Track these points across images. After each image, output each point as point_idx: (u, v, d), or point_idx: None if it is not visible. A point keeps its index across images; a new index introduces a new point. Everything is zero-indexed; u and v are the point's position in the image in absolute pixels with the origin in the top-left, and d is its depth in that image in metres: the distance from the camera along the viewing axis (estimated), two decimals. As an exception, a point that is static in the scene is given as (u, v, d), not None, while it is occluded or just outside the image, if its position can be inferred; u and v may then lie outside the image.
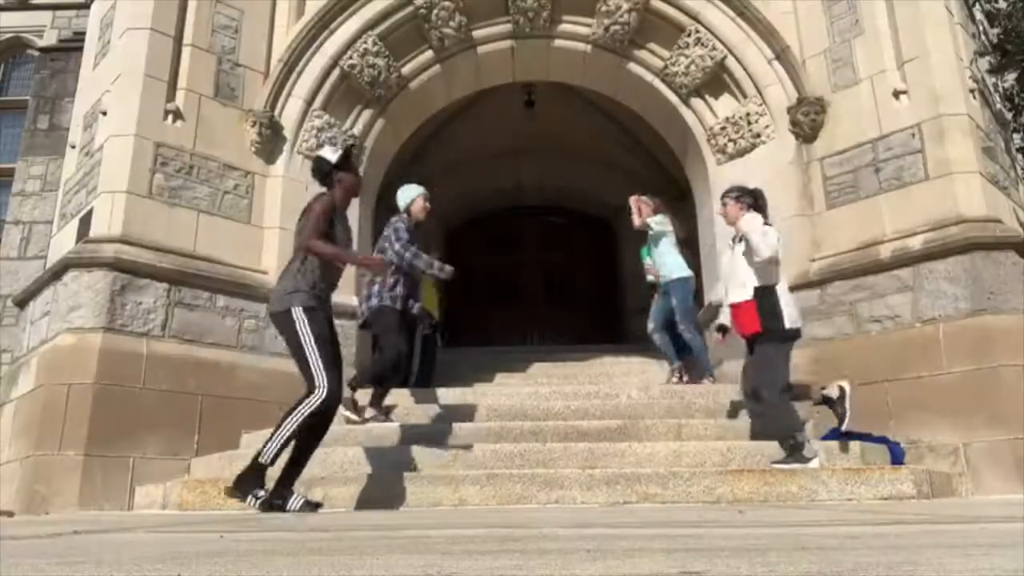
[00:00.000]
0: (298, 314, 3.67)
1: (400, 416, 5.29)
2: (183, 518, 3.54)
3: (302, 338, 3.64)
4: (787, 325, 4.38)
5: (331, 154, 3.97)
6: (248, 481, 3.59)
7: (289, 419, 3.59)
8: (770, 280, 4.42)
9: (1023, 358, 4.85)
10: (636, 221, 6.19)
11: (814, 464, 4.14)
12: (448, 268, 4.95)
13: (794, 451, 4.21)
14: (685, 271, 6.06)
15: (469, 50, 6.97)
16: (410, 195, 5.31)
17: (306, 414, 3.59)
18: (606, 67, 7.08)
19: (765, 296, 4.39)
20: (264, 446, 3.60)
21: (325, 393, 3.60)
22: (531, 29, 6.88)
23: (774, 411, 4.39)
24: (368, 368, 5.23)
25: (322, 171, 3.96)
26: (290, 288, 3.74)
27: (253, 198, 6.12)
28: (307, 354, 3.63)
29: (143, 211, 5.50)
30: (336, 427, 5.07)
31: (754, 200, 4.67)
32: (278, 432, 3.59)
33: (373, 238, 7.11)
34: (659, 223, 6.17)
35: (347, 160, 4.00)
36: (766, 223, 4.53)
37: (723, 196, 4.83)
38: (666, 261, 6.13)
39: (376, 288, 5.03)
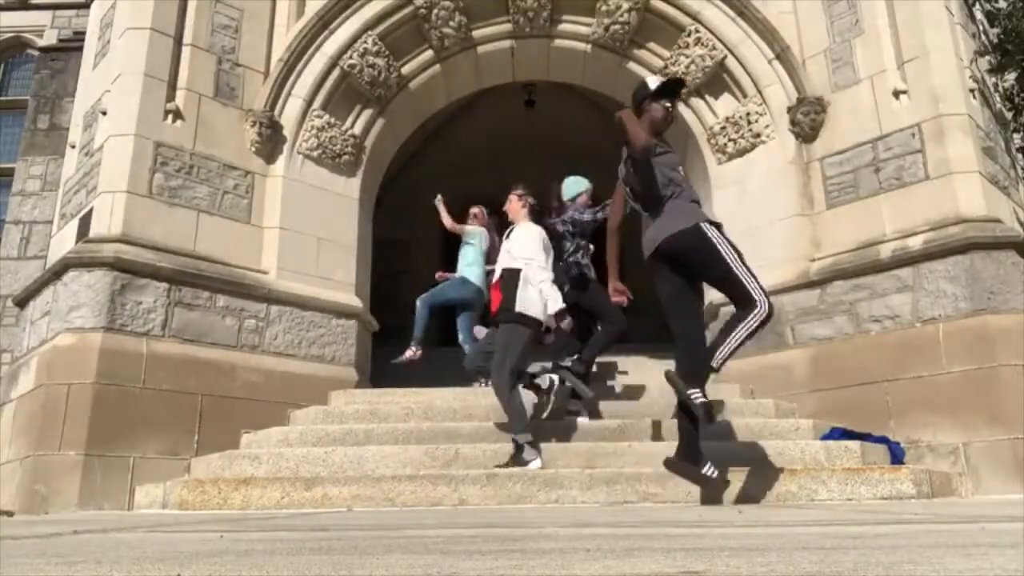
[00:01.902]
0: (710, 230, 3.48)
1: (400, 416, 5.29)
2: (183, 518, 3.54)
3: (724, 252, 3.43)
4: (517, 308, 4.47)
5: (652, 82, 3.81)
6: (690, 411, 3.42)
7: (740, 328, 3.40)
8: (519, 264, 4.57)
9: (1023, 358, 4.85)
10: (446, 222, 6.48)
11: (534, 466, 4.19)
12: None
13: (516, 452, 4.30)
14: (466, 274, 6.32)
15: (469, 50, 6.98)
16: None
17: (754, 326, 3.40)
18: (606, 66, 7.08)
19: (511, 279, 4.54)
20: (716, 352, 3.41)
21: (767, 306, 3.40)
22: (531, 29, 6.88)
23: (500, 395, 4.46)
24: (598, 342, 5.12)
25: (635, 98, 3.80)
26: (685, 210, 3.53)
27: (253, 198, 6.12)
28: (735, 269, 3.42)
29: (143, 211, 5.50)
30: (333, 427, 5.09)
31: (539, 205, 4.91)
32: (729, 339, 3.39)
33: (373, 238, 7.12)
34: (470, 234, 6.46)
35: (665, 93, 3.74)
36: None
37: (512, 192, 5.03)
38: (461, 261, 6.47)
39: (577, 257, 5.07)
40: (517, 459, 4.29)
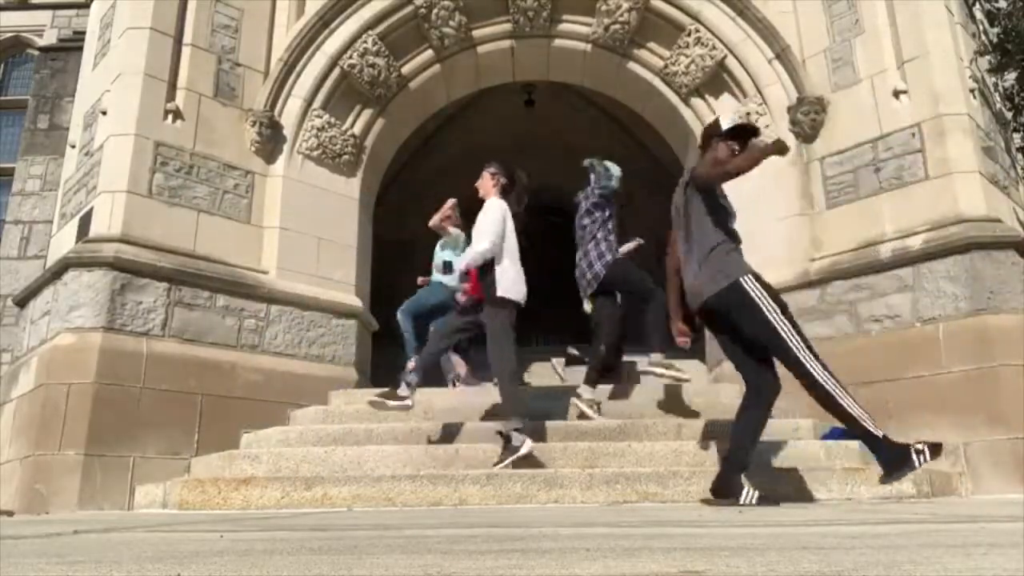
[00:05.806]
0: (749, 283, 3.33)
1: (401, 416, 5.28)
2: (183, 518, 3.54)
3: (765, 310, 3.28)
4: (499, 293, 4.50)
5: (726, 121, 3.74)
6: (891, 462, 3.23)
7: (840, 397, 3.22)
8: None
9: (1023, 358, 4.85)
10: (433, 220, 6.41)
11: (524, 450, 4.17)
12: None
13: (506, 441, 4.30)
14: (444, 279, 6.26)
15: (469, 50, 6.98)
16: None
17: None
18: (606, 66, 7.08)
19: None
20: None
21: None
22: (531, 28, 6.88)
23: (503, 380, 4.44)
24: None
25: (706, 135, 3.81)
26: (724, 265, 3.40)
27: (253, 197, 6.12)
28: (778, 329, 3.27)
29: (143, 211, 5.50)
30: (333, 427, 5.09)
31: (509, 182, 4.80)
32: (850, 415, 3.21)
33: (373, 238, 7.12)
34: (455, 238, 6.42)
35: (737, 135, 3.67)
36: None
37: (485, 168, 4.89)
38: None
39: (604, 247, 5.28)
40: (508, 447, 4.25)
